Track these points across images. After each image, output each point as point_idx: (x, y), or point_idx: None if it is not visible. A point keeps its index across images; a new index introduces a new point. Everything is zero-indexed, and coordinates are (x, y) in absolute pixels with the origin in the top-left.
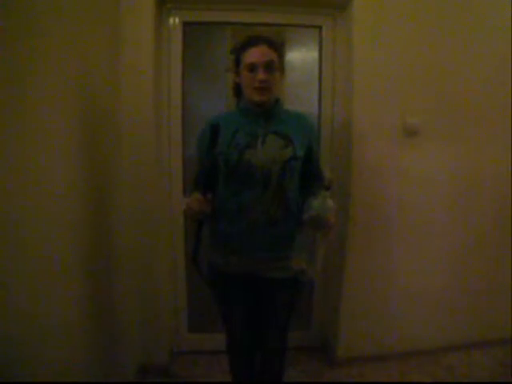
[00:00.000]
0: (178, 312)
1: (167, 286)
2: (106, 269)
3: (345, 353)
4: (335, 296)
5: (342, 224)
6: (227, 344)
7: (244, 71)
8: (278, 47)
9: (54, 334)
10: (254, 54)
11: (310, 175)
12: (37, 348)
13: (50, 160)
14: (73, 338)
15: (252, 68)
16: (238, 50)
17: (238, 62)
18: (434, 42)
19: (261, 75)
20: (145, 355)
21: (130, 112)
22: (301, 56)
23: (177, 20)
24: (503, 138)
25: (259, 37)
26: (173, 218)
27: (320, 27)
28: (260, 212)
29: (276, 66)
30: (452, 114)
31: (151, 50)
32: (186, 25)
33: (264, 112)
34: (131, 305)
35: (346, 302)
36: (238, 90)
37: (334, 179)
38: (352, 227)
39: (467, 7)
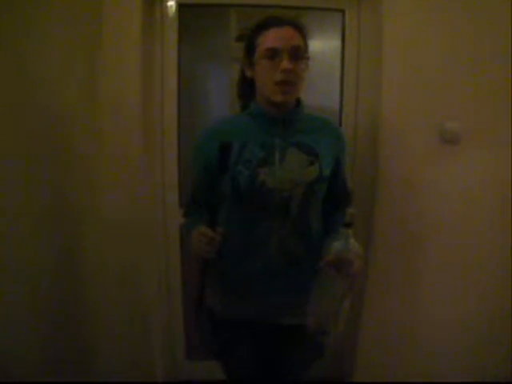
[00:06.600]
0: (173, 337)
1: (160, 310)
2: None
3: None
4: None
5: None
6: None
7: (261, 60)
8: (305, 31)
9: None
10: (276, 37)
11: (331, 197)
12: None
13: None
14: None
15: (273, 55)
16: (253, 33)
17: (251, 50)
18: (484, 34)
19: (286, 64)
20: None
21: (112, 116)
22: (319, 44)
23: (171, 2)
24: None
25: (280, 17)
26: (166, 231)
27: (343, 11)
28: (276, 249)
29: (303, 55)
30: (500, 119)
31: (138, 39)
32: (182, 8)
33: (282, 117)
34: (118, 331)
35: (364, 330)
36: (247, 88)
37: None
38: (372, 258)
39: None
